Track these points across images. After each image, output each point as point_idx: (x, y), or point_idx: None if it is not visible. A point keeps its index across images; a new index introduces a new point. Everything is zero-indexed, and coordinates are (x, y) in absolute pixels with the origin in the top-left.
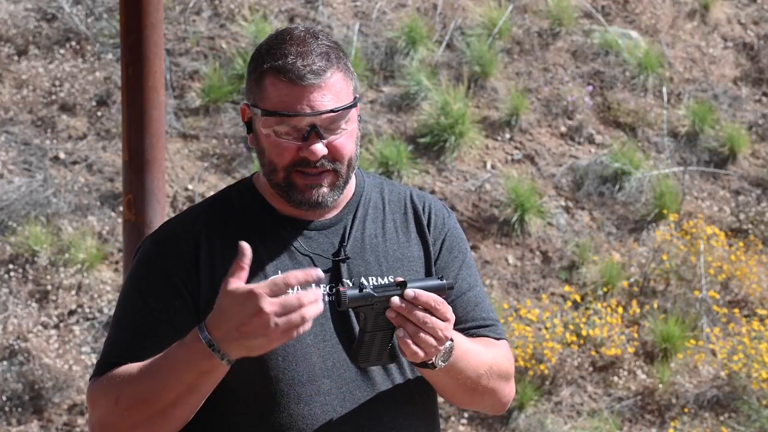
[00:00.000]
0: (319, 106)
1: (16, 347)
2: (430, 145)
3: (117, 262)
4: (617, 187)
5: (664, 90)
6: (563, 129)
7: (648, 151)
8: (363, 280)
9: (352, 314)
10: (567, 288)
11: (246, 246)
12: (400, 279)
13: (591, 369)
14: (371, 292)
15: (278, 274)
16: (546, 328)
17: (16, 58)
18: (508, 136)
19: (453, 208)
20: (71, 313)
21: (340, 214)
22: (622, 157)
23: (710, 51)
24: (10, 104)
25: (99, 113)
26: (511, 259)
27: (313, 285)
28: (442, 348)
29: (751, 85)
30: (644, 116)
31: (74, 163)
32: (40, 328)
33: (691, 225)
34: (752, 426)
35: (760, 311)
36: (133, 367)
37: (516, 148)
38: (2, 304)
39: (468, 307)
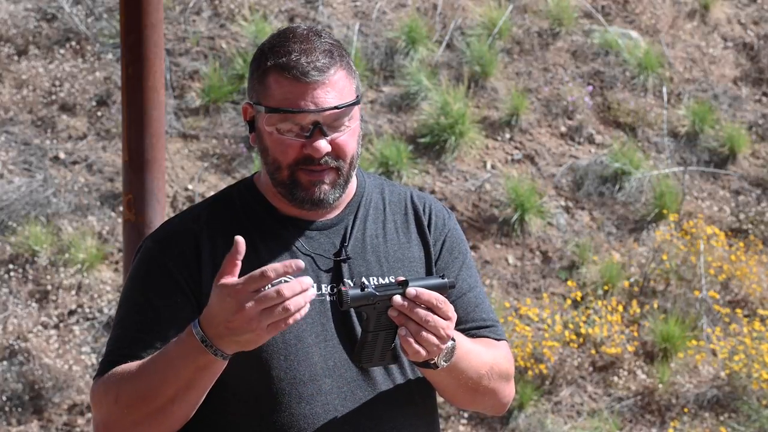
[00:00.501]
0: (323, 102)
1: (16, 347)
2: (430, 145)
3: (117, 262)
4: (617, 187)
5: (664, 90)
6: (563, 129)
7: (648, 151)
8: (364, 280)
9: (353, 314)
10: (570, 283)
11: (241, 241)
12: (402, 278)
13: (591, 369)
14: (373, 291)
15: None
16: (547, 327)
17: (16, 58)
18: (508, 136)
19: (453, 208)
20: (71, 313)
21: (341, 214)
22: (622, 157)
23: (710, 51)
24: (10, 104)
25: (99, 113)
26: (511, 259)
27: (311, 281)
28: (444, 347)
29: (751, 85)
30: (644, 116)
31: (74, 163)
32: (40, 328)
33: (691, 225)
34: (752, 426)
35: (761, 311)
36: (132, 365)
37: (516, 148)
38: (2, 304)
39: (468, 308)
